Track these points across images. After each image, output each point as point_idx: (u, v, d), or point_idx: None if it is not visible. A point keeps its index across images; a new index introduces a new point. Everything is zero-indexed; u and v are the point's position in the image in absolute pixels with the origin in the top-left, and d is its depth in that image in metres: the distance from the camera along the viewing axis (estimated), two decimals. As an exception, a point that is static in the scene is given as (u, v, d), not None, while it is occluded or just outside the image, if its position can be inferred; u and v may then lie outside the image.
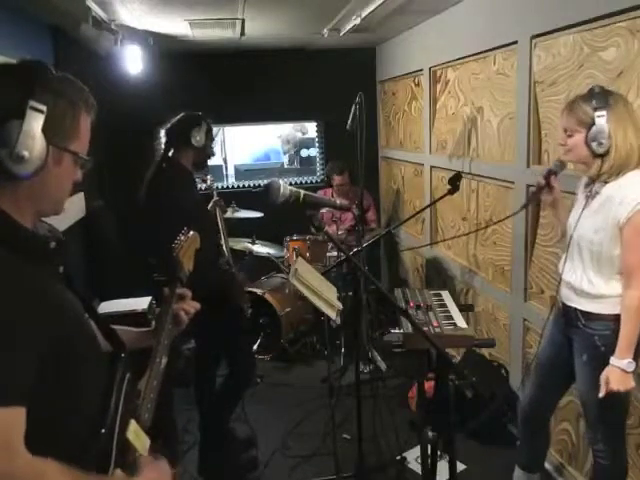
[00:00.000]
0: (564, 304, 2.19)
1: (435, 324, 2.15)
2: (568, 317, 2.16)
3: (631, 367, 1.90)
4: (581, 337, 2.10)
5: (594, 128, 1.93)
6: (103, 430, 1.04)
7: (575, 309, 2.11)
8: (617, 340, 1.94)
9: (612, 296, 2.00)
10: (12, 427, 0.89)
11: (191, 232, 1.62)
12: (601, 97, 1.94)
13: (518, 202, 2.93)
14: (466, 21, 3.44)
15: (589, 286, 2.05)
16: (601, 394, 1.96)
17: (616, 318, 1.97)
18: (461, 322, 2.19)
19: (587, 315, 2.06)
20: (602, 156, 1.94)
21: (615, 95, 1.98)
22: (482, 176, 3.45)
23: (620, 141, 1.91)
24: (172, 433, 2.97)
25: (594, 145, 1.94)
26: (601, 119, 1.91)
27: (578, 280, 2.09)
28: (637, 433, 2.29)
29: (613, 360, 1.93)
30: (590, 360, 2.07)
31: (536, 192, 2.27)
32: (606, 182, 1.98)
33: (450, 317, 2.24)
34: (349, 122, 3.86)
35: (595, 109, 1.92)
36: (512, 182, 3.07)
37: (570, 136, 2.03)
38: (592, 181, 2.05)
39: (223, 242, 3.35)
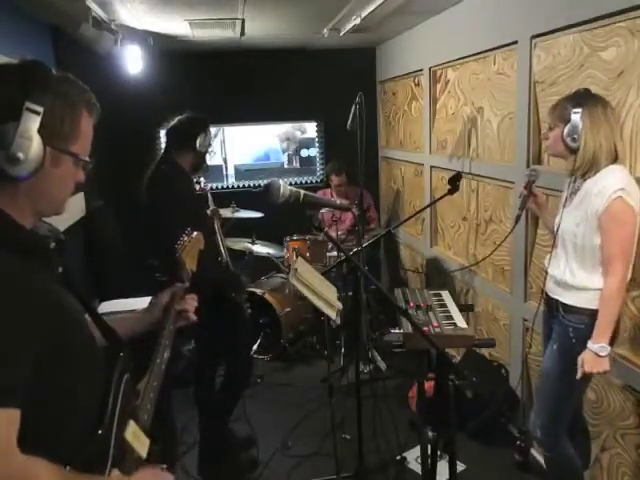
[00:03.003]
0: (547, 295, 2.31)
1: (435, 324, 2.16)
2: (550, 308, 2.29)
3: (603, 351, 1.99)
4: (558, 327, 2.20)
5: (569, 124, 2.06)
6: (100, 431, 1.03)
7: (556, 301, 2.22)
8: (590, 335, 2.03)
9: (592, 289, 2.08)
10: (6, 429, 0.89)
11: (195, 233, 1.62)
12: (582, 97, 2.08)
13: (518, 202, 2.93)
14: (466, 21, 3.44)
15: (571, 277, 2.14)
16: (578, 376, 2.05)
17: (592, 313, 2.06)
18: (461, 322, 2.20)
19: (566, 307, 2.16)
20: (576, 152, 2.07)
21: (597, 98, 2.09)
22: (482, 176, 3.45)
23: (589, 139, 2.03)
24: (172, 433, 2.96)
25: (568, 140, 2.07)
26: (576, 116, 2.03)
27: (561, 272, 2.19)
28: (637, 433, 2.29)
29: (589, 344, 2.02)
30: (558, 350, 2.18)
31: (523, 203, 2.43)
32: (585, 179, 2.09)
33: (450, 317, 2.25)
34: (349, 122, 3.86)
35: (573, 106, 2.05)
36: (512, 182, 3.07)
37: (551, 130, 2.18)
38: (574, 179, 2.17)
39: (222, 249, 3.35)
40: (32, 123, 0.98)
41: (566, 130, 2.07)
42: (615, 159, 2.04)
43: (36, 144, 0.98)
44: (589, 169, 2.05)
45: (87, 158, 1.10)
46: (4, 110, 0.97)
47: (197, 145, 2.74)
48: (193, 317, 1.49)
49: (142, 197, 2.72)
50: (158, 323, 1.43)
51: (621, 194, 1.95)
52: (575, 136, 2.04)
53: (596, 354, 1.99)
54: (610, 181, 1.99)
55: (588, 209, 2.05)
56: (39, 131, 0.98)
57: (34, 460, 0.92)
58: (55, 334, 0.97)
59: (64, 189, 1.09)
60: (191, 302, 1.50)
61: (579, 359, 2.05)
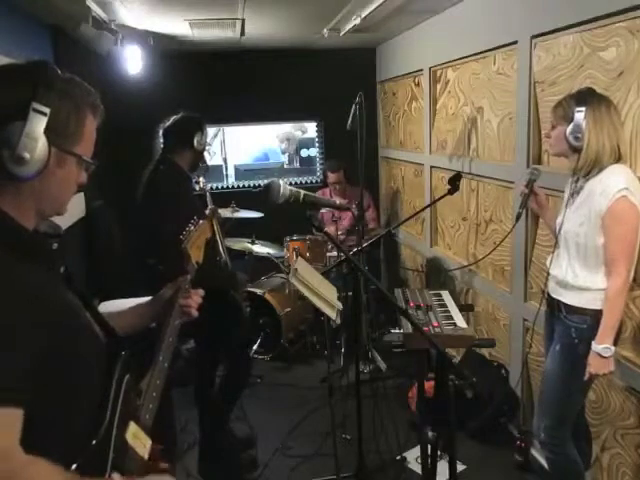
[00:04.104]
0: (549, 295, 2.30)
1: (435, 324, 2.16)
2: (552, 308, 2.28)
3: (607, 352, 1.99)
4: (561, 327, 2.20)
5: (572, 123, 2.04)
6: (99, 434, 1.03)
7: (558, 301, 2.21)
8: (592, 335, 2.03)
9: (594, 289, 2.07)
10: (8, 428, 0.89)
11: (201, 221, 1.58)
12: (586, 96, 2.07)
13: (518, 202, 2.93)
14: (466, 21, 3.44)
15: (573, 278, 2.14)
16: (585, 377, 2.06)
17: (595, 313, 2.06)
18: (461, 322, 2.19)
19: (568, 307, 2.16)
20: (579, 151, 2.06)
21: (601, 97, 2.08)
22: (482, 176, 3.45)
23: (593, 138, 2.02)
24: (172, 433, 2.96)
25: (571, 139, 2.06)
26: (579, 114, 2.02)
27: (563, 273, 2.18)
28: (637, 433, 2.30)
29: (592, 345, 2.02)
30: (561, 350, 2.17)
31: (523, 201, 2.42)
32: (588, 178, 2.08)
33: (450, 317, 2.25)
34: (349, 122, 3.86)
35: (577, 105, 2.04)
36: (512, 182, 3.07)
37: (553, 128, 2.17)
38: (577, 178, 2.15)
39: (221, 249, 3.34)
40: (38, 123, 0.98)
41: (569, 129, 2.05)
42: (618, 158, 2.03)
43: (42, 144, 0.99)
44: (592, 168, 2.04)
45: (90, 159, 1.10)
46: (11, 110, 0.98)
47: (195, 144, 2.76)
48: (195, 313, 1.46)
49: (138, 197, 2.73)
50: (159, 317, 1.42)
51: (625, 193, 1.94)
52: (578, 135, 2.03)
53: (600, 355, 1.99)
54: (614, 180, 1.98)
55: (591, 208, 2.03)
56: (45, 132, 0.99)
57: (36, 460, 0.92)
58: (56, 334, 0.97)
59: (67, 190, 1.09)
60: (196, 298, 1.47)
61: (587, 361, 2.05)
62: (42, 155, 0.99)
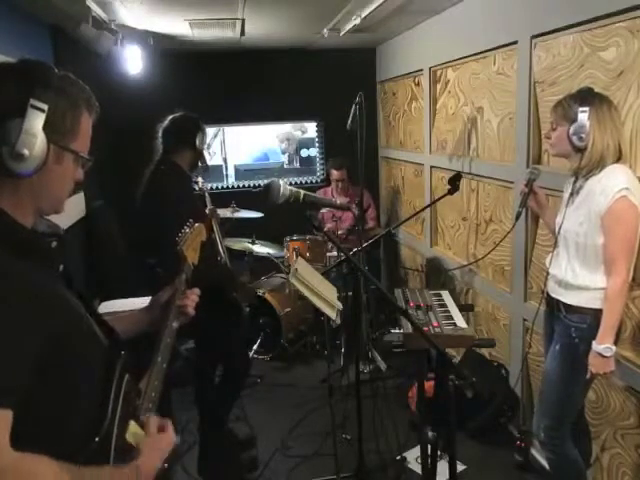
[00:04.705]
0: (549, 295, 2.31)
1: (435, 324, 2.16)
2: (552, 308, 2.29)
3: (608, 352, 1.99)
4: (560, 327, 2.20)
5: (576, 123, 2.04)
6: (100, 434, 1.03)
7: (558, 301, 2.21)
8: (592, 335, 2.03)
9: (593, 289, 2.08)
10: (1, 428, 0.88)
11: (196, 224, 1.61)
12: (587, 96, 2.07)
13: (518, 202, 2.93)
14: (466, 21, 3.44)
15: (573, 277, 2.14)
16: (587, 376, 2.06)
17: (595, 313, 2.06)
18: (461, 322, 2.19)
19: (568, 307, 2.16)
20: (582, 151, 2.06)
21: (602, 97, 2.08)
22: (482, 176, 3.45)
23: (598, 138, 2.02)
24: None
25: (575, 139, 2.06)
26: (583, 115, 2.02)
27: (562, 272, 2.19)
28: (637, 433, 2.29)
29: (593, 345, 2.02)
30: (561, 350, 2.18)
31: (523, 200, 2.42)
32: (588, 178, 2.08)
33: (450, 317, 2.24)
34: (349, 122, 3.86)
35: (579, 105, 2.04)
36: (512, 182, 3.07)
37: (554, 129, 2.16)
38: (576, 178, 2.15)
39: (220, 249, 3.35)
40: (37, 120, 0.99)
41: (572, 129, 2.05)
42: (619, 158, 2.04)
43: (40, 141, 0.99)
44: (594, 168, 2.05)
45: (86, 156, 1.10)
46: (9, 107, 0.98)
47: (197, 143, 2.76)
48: (191, 312, 1.47)
49: (139, 197, 2.73)
50: (157, 322, 1.43)
51: (625, 193, 1.95)
52: (582, 135, 2.03)
53: (601, 355, 1.99)
54: (614, 180, 1.98)
55: (591, 208, 2.04)
56: (43, 128, 0.99)
57: (33, 457, 0.91)
58: (56, 333, 0.97)
59: (64, 187, 1.10)
60: (192, 297, 1.49)
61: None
62: (41, 151, 1.00)
